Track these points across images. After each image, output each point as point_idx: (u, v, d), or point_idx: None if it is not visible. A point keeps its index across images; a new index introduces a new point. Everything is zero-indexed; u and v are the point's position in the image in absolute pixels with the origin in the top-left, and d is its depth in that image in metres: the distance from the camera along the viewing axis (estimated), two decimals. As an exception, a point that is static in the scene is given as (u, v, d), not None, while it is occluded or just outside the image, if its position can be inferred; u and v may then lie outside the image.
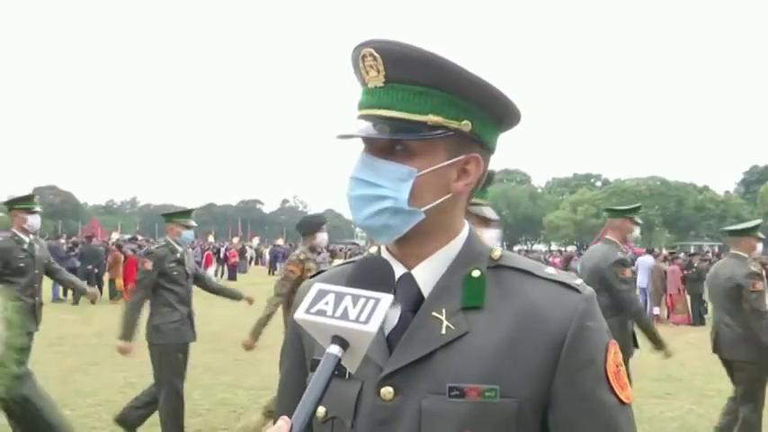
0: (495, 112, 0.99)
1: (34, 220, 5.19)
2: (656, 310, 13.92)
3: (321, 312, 0.81)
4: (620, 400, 0.93)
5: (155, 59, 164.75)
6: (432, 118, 0.93)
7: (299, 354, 1.10)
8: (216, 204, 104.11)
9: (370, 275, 0.89)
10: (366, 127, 0.97)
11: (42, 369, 7.67)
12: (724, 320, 4.79)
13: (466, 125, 0.95)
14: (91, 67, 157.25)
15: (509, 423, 0.89)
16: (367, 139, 0.98)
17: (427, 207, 0.96)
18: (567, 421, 0.91)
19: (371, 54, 0.94)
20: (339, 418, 0.97)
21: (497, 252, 1.02)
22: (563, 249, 45.45)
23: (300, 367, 1.09)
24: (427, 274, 0.99)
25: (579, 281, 0.98)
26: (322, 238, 5.25)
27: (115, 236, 24.43)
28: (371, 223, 0.97)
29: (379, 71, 0.94)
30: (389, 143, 0.95)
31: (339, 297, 0.83)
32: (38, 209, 5.27)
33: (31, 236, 5.18)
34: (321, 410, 0.99)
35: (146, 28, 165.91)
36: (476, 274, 0.98)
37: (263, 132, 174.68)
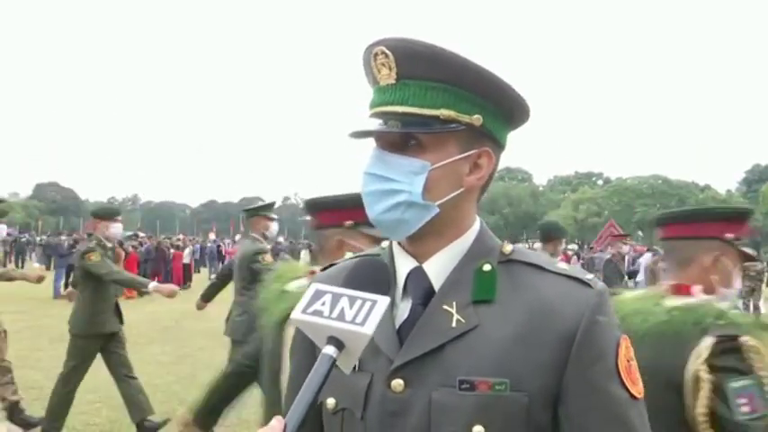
0: (505, 108, 1.00)
1: (275, 227, 5.27)
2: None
3: (317, 313, 0.81)
4: (632, 395, 0.92)
5: (156, 57, 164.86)
6: (444, 112, 0.94)
7: (308, 350, 1.08)
8: (217, 201, 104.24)
9: (367, 276, 0.89)
10: (377, 124, 0.97)
11: (44, 365, 7.69)
12: None
13: (477, 119, 0.96)
14: (92, 65, 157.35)
15: (519, 417, 0.89)
16: (379, 136, 0.98)
17: (441, 201, 0.96)
18: (578, 415, 0.91)
19: (383, 52, 0.95)
20: (349, 410, 0.97)
21: (509, 247, 1.02)
22: (564, 247, 45.43)
23: (309, 364, 1.06)
24: (438, 268, 0.99)
25: (591, 276, 0.98)
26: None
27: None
28: (386, 218, 0.96)
29: (390, 68, 0.95)
30: (402, 138, 0.96)
31: (336, 298, 0.83)
32: (275, 216, 5.35)
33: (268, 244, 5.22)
34: (331, 402, 0.99)
35: (146, 27, 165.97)
36: (487, 268, 0.98)
37: (265, 129, 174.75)
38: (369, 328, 0.79)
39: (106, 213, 5.64)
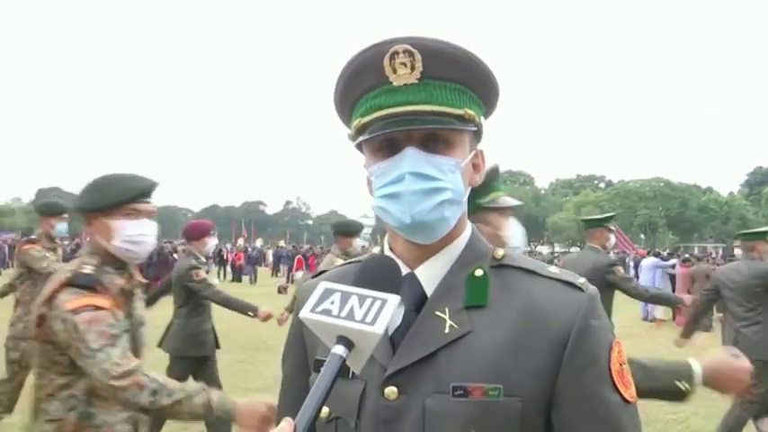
0: (490, 109, 1.03)
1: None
2: (659, 314, 13.84)
3: (326, 312, 0.80)
4: (625, 399, 0.92)
5: (158, 61, 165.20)
6: (468, 111, 0.95)
7: (301, 354, 1.09)
8: (219, 206, 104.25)
9: (377, 275, 0.87)
10: (393, 126, 0.93)
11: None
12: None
13: (482, 120, 0.99)
14: (93, 69, 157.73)
15: (513, 422, 0.89)
16: (405, 137, 0.94)
17: (464, 199, 0.99)
18: (571, 420, 0.90)
19: (407, 50, 0.92)
20: (342, 419, 0.97)
21: (500, 251, 1.02)
22: (567, 251, 45.37)
23: (303, 368, 1.08)
24: (430, 274, 0.99)
25: (583, 279, 0.98)
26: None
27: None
28: (429, 218, 0.93)
29: (414, 68, 0.92)
30: (430, 137, 0.95)
31: (345, 297, 0.81)
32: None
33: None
34: (324, 410, 0.98)
35: (149, 30, 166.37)
36: (479, 273, 0.98)
37: (267, 134, 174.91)
38: (379, 328, 0.77)
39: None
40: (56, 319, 1.93)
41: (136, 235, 2.09)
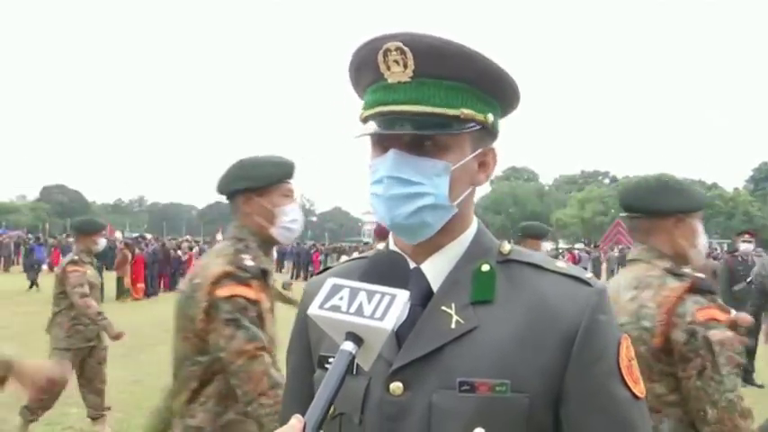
0: (508, 105, 1.00)
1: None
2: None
3: (335, 308, 0.79)
4: (634, 395, 0.91)
5: (161, 59, 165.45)
6: (465, 111, 0.92)
7: (305, 350, 1.09)
8: (223, 202, 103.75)
9: (385, 271, 0.87)
10: (378, 123, 0.93)
11: (51, 367, 7.71)
12: None
13: (489, 118, 0.96)
14: (97, 67, 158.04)
15: (520, 418, 0.88)
16: (394, 137, 0.93)
17: (458, 201, 0.96)
18: (579, 416, 0.89)
19: (399, 48, 0.89)
20: (347, 415, 0.96)
21: (507, 247, 1.01)
22: (571, 247, 45.32)
23: (307, 364, 1.08)
24: (436, 269, 0.98)
25: (590, 274, 0.97)
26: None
27: (118, 235, 24.37)
28: (409, 222, 0.93)
29: (406, 66, 0.90)
30: (418, 139, 0.92)
31: (354, 292, 0.81)
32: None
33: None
34: None
35: (151, 28, 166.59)
36: (485, 268, 0.97)
37: (271, 131, 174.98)
38: (388, 323, 0.77)
39: None
40: None
41: None
